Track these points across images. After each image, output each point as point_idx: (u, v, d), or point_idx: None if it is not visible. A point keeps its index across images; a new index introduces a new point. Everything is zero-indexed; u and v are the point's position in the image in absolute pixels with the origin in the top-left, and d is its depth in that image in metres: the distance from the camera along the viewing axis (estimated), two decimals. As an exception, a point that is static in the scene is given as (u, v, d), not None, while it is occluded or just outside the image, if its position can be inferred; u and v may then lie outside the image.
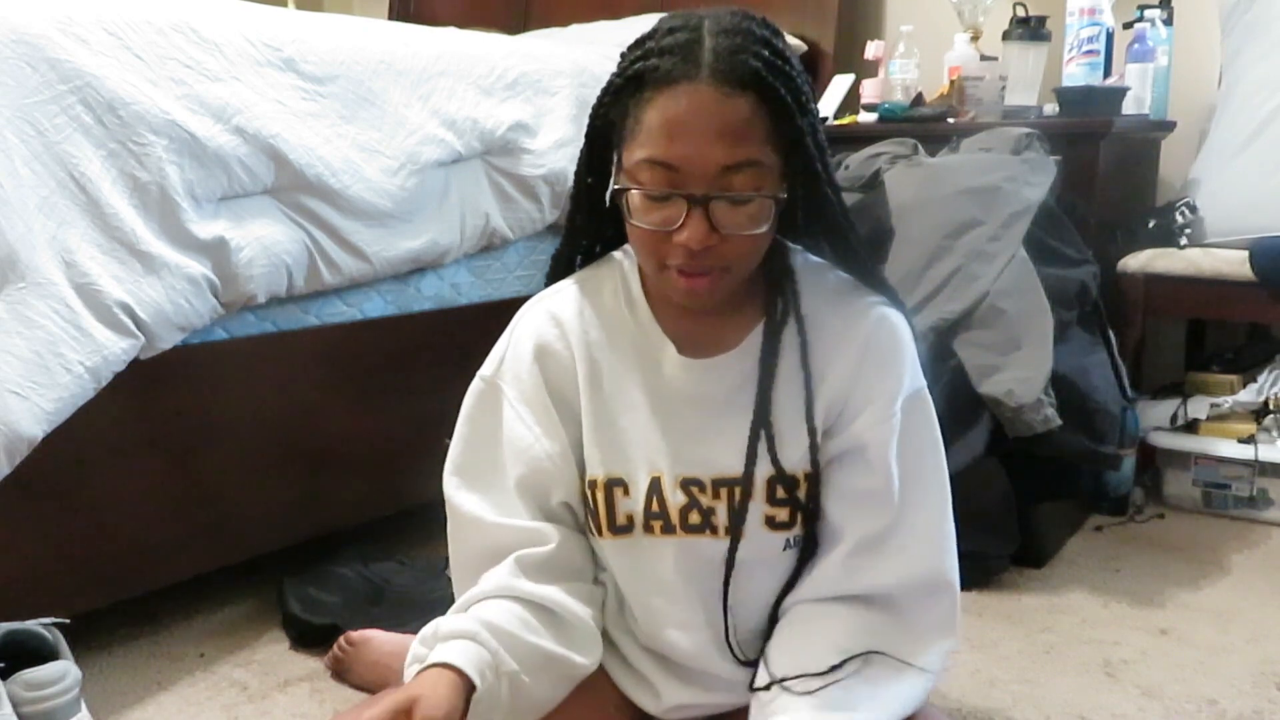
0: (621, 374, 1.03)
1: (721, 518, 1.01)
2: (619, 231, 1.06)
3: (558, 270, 1.11)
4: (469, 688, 0.90)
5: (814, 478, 1.01)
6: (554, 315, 1.05)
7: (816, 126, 0.95)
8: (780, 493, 1.00)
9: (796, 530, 1.02)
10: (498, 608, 0.97)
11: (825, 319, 1.02)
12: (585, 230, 1.08)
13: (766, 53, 0.90)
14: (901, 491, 1.00)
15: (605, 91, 0.97)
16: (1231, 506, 2.14)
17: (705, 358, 1.02)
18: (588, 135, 1.02)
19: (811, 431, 1.00)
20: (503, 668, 0.93)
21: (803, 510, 1.01)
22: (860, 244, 1.05)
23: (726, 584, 1.02)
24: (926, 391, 1.04)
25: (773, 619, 1.06)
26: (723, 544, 1.02)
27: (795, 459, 1.00)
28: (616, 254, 1.09)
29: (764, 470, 1.00)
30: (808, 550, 1.03)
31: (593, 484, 1.03)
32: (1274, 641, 1.60)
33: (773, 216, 0.93)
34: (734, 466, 1.00)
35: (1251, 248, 2.06)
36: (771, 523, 1.01)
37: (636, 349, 1.03)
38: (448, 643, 0.93)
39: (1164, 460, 2.20)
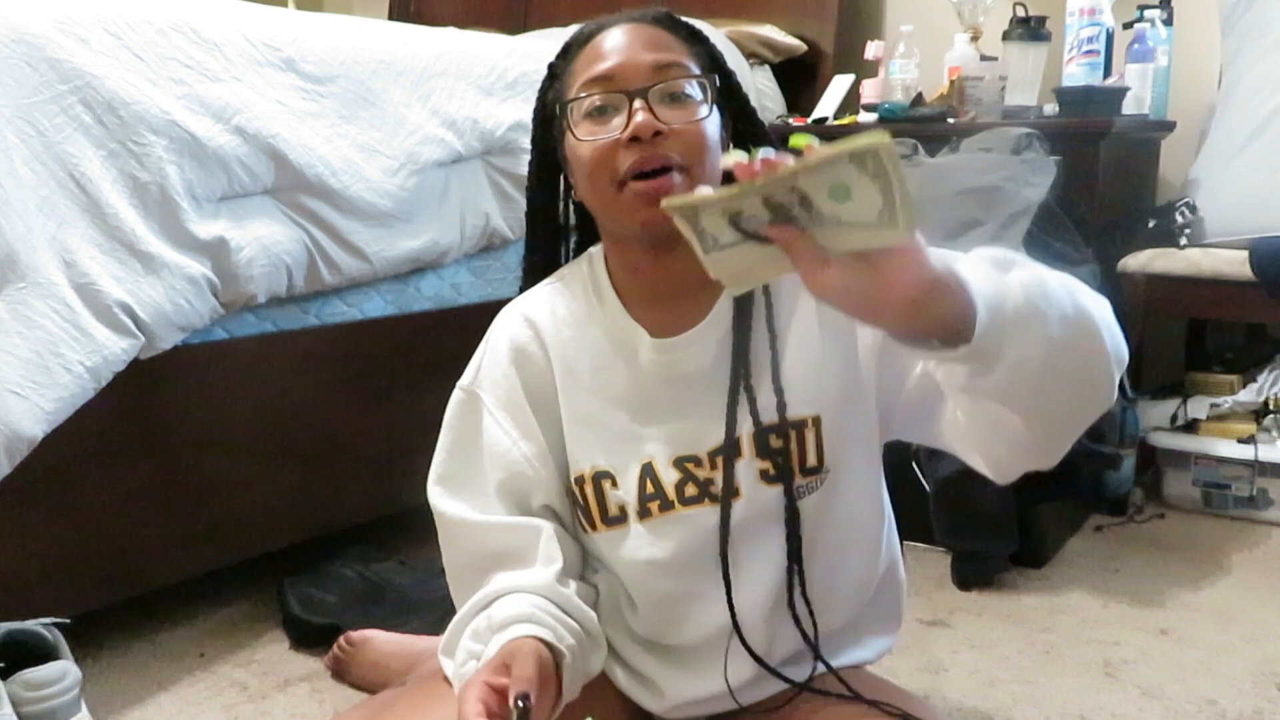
0: (599, 367, 1.04)
1: (719, 485, 1.01)
2: (583, 243, 1.11)
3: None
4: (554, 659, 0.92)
5: (787, 425, 1.00)
6: (527, 318, 1.07)
7: (730, 70, 1.06)
8: (774, 441, 0.99)
9: (799, 480, 1.01)
10: (526, 599, 0.96)
11: (786, 279, 1.02)
12: (546, 245, 1.12)
13: (673, 14, 1.03)
14: None
15: (544, 79, 1.06)
16: (1231, 506, 2.14)
17: (677, 335, 1.02)
18: (534, 136, 1.08)
19: (779, 391, 1.00)
20: (565, 642, 0.94)
21: (785, 461, 1.00)
22: None
23: (724, 548, 1.01)
24: None
25: (776, 611, 1.04)
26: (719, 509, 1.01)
27: (772, 410, 1.00)
28: (581, 256, 1.11)
29: (747, 427, 1.00)
30: (793, 519, 1.01)
31: (580, 479, 1.03)
32: (1274, 641, 1.60)
33: (713, 106, 0.99)
34: (722, 434, 1.01)
35: (1251, 248, 2.05)
36: (765, 476, 1.01)
37: (611, 340, 1.05)
38: (509, 627, 0.93)
39: (1164, 460, 2.20)
